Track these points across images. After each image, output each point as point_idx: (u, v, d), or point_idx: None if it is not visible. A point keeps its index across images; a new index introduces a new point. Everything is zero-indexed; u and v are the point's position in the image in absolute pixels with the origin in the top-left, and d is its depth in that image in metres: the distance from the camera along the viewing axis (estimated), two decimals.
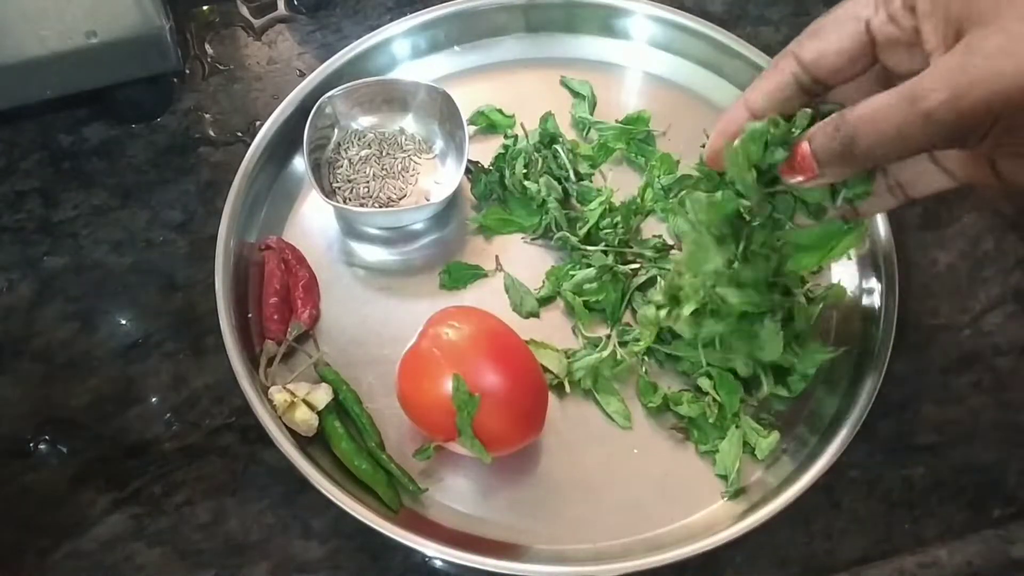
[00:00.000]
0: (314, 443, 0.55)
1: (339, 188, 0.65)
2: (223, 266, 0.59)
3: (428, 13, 0.70)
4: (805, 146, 0.41)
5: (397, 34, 0.69)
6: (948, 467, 0.58)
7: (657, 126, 0.68)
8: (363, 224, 0.64)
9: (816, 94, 0.43)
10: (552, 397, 0.57)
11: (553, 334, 0.60)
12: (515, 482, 0.56)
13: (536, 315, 0.61)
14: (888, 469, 0.57)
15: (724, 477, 0.56)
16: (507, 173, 0.64)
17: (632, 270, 0.61)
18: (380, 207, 0.64)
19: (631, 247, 0.62)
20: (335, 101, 0.65)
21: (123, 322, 0.61)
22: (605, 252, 0.61)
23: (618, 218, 0.62)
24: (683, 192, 0.61)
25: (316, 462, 0.54)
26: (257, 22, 0.74)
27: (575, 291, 0.61)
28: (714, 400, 0.57)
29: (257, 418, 0.54)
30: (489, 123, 0.68)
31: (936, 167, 0.44)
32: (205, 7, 0.74)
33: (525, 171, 0.64)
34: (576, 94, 0.70)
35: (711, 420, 0.56)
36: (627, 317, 0.61)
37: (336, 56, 0.67)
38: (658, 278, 0.60)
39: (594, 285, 0.60)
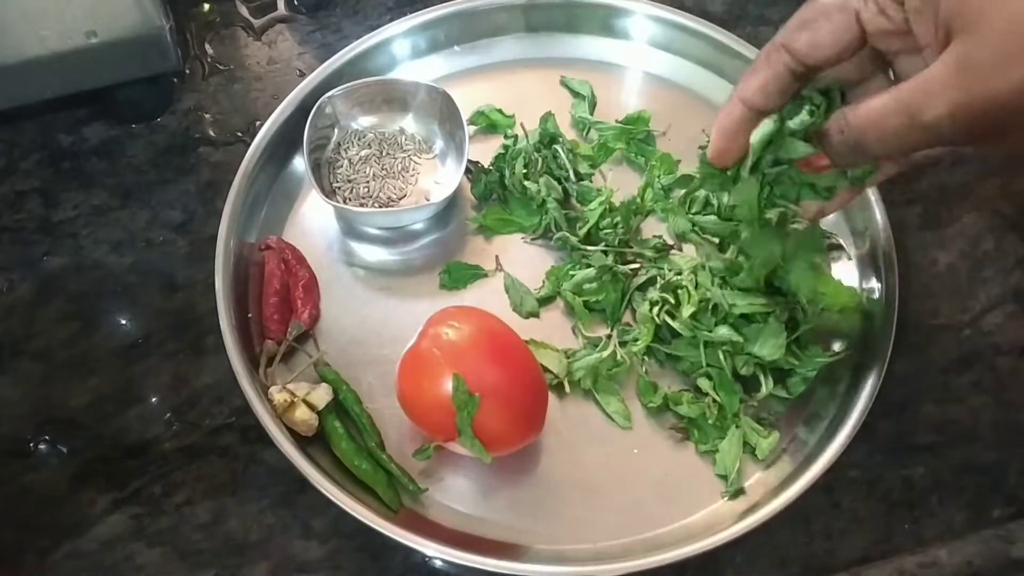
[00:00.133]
0: (314, 443, 0.55)
1: (339, 188, 0.65)
2: (223, 266, 0.59)
3: (428, 13, 0.70)
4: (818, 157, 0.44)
5: (397, 34, 0.69)
6: (948, 467, 0.58)
7: (657, 126, 0.68)
8: (363, 224, 0.64)
9: (809, 78, 0.44)
10: (552, 397, 0.57)
11: (553, 334, 0.60)
12: (515, 482, 0.56)
13: (536, 315, 0.61)
14: (888, 469, 0.57)
15: (724, 477, 0.56)
16: (507, 173, 0.64)
17: (632, 270, 0.61)
18: (380, 207, 0.64)
19: (631, 247, 0.62)
20: (335, 101, 0.65)
21: (123, 322, 0.61)
22: (605, 252, 0.61)
23: (618, 218, 0.62)
24: (686, 192, 0.62)
25: (316, 462, 0.54)
26: (257, 22, 0.74)
27: (575, 291, 0.61)
28: (714, 400, 0.57)
29: (257, 418, 0.54)
30: (489, 123, 0.68)
31: None
32: (205, 7, 0.74)
33: (525, 171, 0.64)
34: (576, 94, 0.70)
35: (711, 420, 0.56)
36: (627, 317, 0.61)
37: (336, 56, 0.67)
38: (658, 278, 0.60)
39: (594, 285, 0.60)
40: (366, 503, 0.53)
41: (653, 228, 0.64)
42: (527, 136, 0.66)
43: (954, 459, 0.58)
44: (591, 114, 0.68)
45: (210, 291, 0.58)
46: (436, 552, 0.51)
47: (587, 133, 0.68)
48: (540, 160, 0.64)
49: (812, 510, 0.55)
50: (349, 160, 0.65)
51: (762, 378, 0.56)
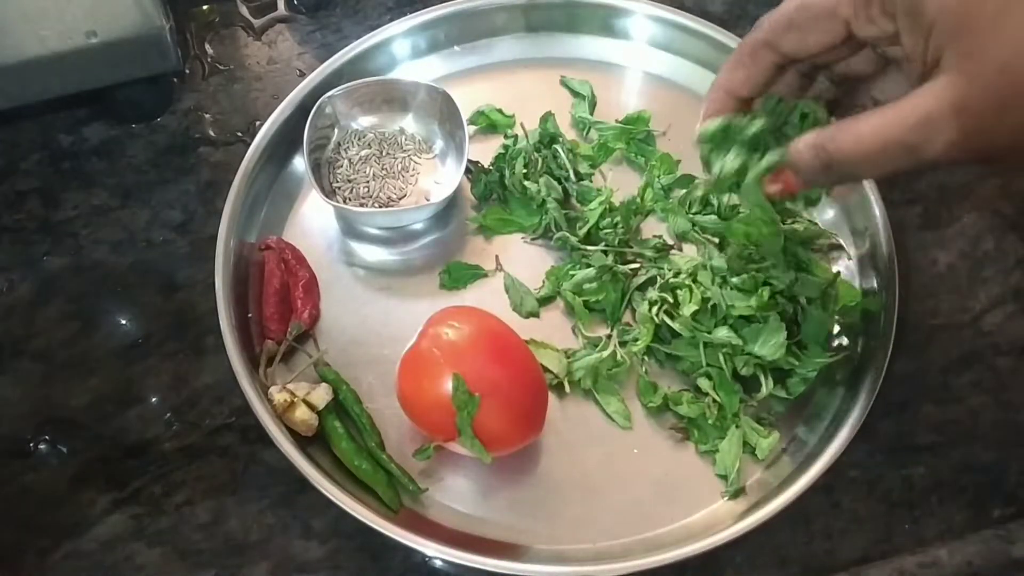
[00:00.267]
0: (314, 443, 0.55)
1: (339, 188, 0.65)
2: (223, 266, 0.59)
3: (428, 13, 0.70)
4: (789, 173, 0.44)
5: (397, 34, 0.69)
6: (948, 467, 0.58)
7: (657, 126, 0.68)
8: (363, 224, 0.64)
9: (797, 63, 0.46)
10: (552, 397, 0.57)
11: (553, 334, 0.60)
12: (515, 482, 0.56)
13: (536, 315, 0.61)
14: (888, 469, 0.57)
15: (724, 477, 0.56)
16: (507, 173, 0.64)
17: (632, 270, 0.61)
18: (380, 207, 0.64)
19: (631, 247, 0.62)
20: (335, 101, 0.65)
21: (123, 322, 0.61)
22: (605, 252, 0.61)
23: (618, 218, 0.62)
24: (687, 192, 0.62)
25: (316, 462, 0.54)
26: (257, 22, 0.74)
27: (575, 291, 0.61)
28: (714, 400, 0.57)
29: (257, 418, 0.54)
30: (489, 123, 0.68)
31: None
32: (205, 7, 0.74)
33: (525, 171, 0.64)
34: (576, 94, 0.70)
35: (711, 420, 0.56)
36: (627, 317, 0.61)
37: (336, 56, 0.67)
38: (657, 278, 0.60)
39: (594, 285, 0.60)
40: (366, 503, 0.53)
41: (653, 228, 0.64)
42: (527, 136, 0.66)
43: (954, 459, 0.58)
44: (591, 114, 0.68)
45: (210, 291, 0.58)
46: (436, 552, 0.51)
47: (587, 133, 0.68)
48: (540, 160, 0.64)
49: (812, 510, 0.55)
50: (349, 160, 0.65)
51: (762, 378, 0.56)
